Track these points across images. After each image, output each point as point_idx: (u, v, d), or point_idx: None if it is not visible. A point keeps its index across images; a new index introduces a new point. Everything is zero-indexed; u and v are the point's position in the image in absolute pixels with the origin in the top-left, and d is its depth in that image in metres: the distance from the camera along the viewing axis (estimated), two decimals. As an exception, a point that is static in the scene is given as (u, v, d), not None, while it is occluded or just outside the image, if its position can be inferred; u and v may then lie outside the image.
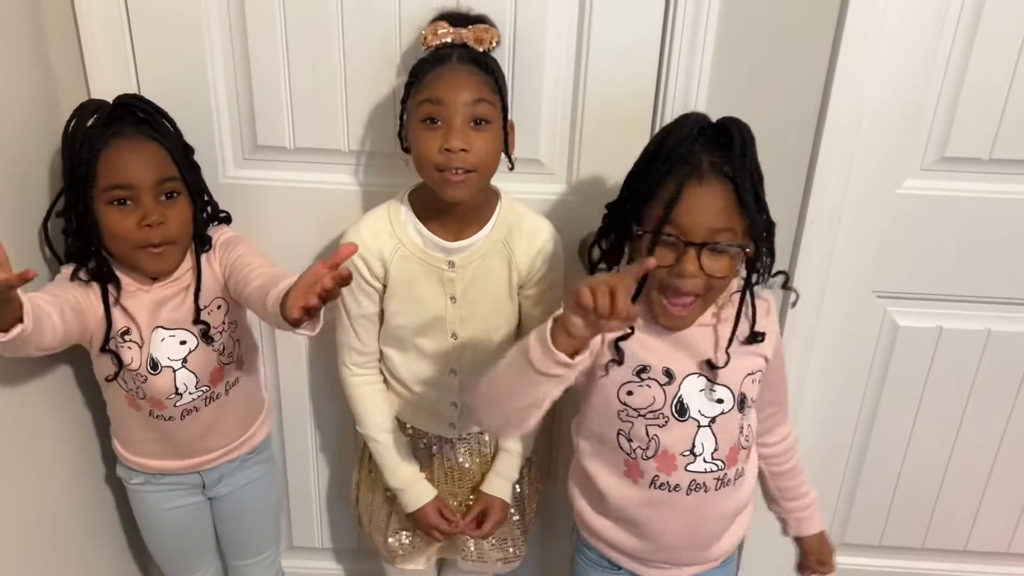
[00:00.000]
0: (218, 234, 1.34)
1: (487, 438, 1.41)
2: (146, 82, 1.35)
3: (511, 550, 1.46)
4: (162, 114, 1.26)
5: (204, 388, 1.32)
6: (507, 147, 1.23)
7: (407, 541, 1.45)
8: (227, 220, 1.38)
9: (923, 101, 1.33)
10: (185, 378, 1.30)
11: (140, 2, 1.31)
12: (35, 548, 1.33)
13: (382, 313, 1.32)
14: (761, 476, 1.31)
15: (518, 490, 1.44)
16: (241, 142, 1.40)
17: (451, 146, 1.14)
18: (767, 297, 1.19)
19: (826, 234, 1.40)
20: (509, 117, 1.22)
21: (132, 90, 1.33)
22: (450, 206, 1.22)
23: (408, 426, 1.40)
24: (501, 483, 1.39)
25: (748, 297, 1.13)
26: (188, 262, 1.30)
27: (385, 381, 1.39)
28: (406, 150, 1.24)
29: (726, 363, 1.12)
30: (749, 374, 1.15)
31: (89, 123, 1.19)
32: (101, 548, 1.54)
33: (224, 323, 1.33)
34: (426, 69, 1.18)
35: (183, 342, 1.29)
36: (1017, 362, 1.52)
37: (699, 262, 1.02)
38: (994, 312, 1.48)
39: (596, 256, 1.29)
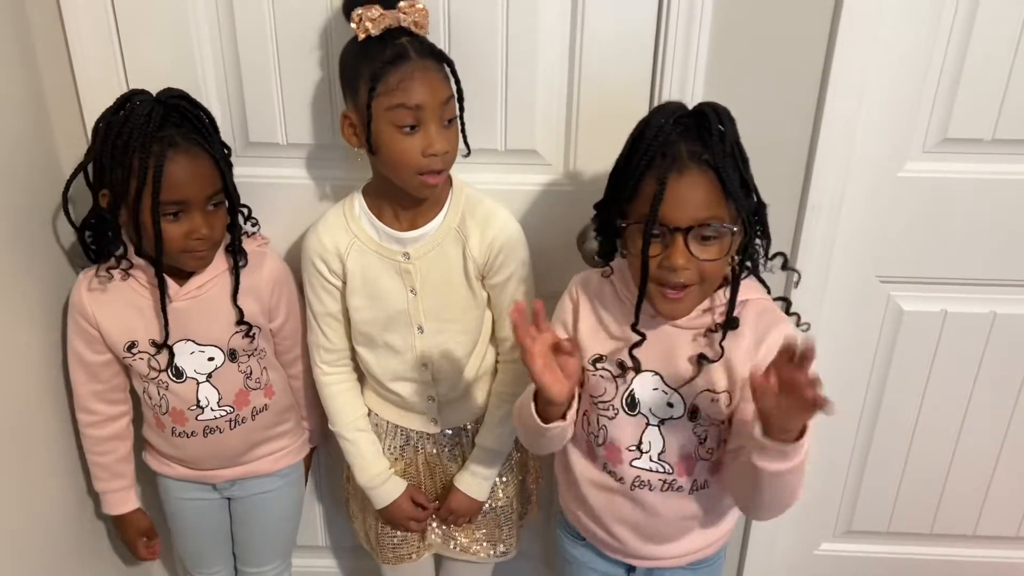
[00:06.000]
0: (262, 254, 1.33)
1: (470, 434, 1.39)
2: (135, 79, 1.33)
3: (500, 547, 1.45)
4: (204, 111, 1.22)
5: (228, 408, 1.33)
6: (463, 133, 1.22)
7: (397, 540, 1.44)
8: (255, 222, 1.36)
9: (924, 82, 1.31)
10: (207, 392, 1.31)
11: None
12: (53, 531, 1.33)
13: (347, 311, 1.30)
14: None
15: (501, 486, 1.41)
16: (233, 139, 1.38)
17: (436, 151, 1.14)
18: (771, 307, 1.12)
19: (827, 219, 1.38)
20: (464, 102, 1.21)
21: (120, 87, 1.31)
22: (404, 197, 1.21)
23: (389, 423, 1.38)
24: (469, 478, 1.37)
25: (731, 286, 1.08)
26: (220, 264, 1.28)
27: (362, 380, 1.39)
28: (372, 152, 1.17)
29: (691, 378, 1.08)
30: (707, 391, 1.09)
31: (139, 125, 1.13)
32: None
33: (256, 348, 1.34)
34: (387, 70, 1.10)
35: (211, 359, 1.30)
36: (1023, 344, 1.51)
37: (688, 252, 1.00)
38: (999, 295, 1.46)
39: (595, 248, 1.27)
